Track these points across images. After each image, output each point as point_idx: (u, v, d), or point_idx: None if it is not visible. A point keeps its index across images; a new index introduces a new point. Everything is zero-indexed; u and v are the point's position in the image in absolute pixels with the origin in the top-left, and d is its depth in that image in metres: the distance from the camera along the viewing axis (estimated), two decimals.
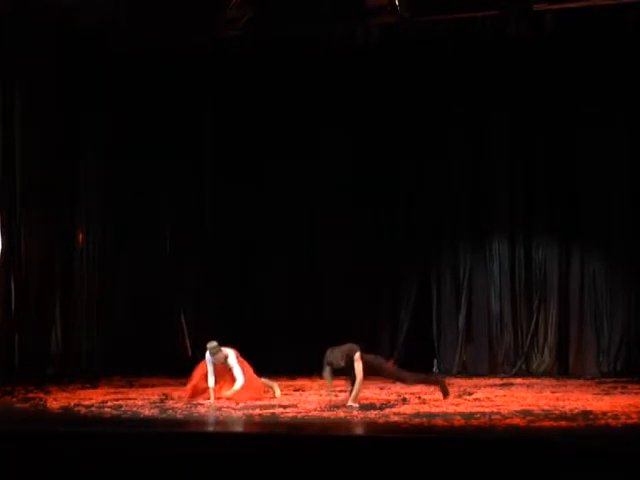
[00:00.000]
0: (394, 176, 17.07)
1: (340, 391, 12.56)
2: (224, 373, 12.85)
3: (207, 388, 12.73)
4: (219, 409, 11.75)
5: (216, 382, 12.74)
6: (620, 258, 16.05)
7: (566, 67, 16.06)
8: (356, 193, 17.17)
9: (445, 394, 12.34)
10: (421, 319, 16.87)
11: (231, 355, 12.89)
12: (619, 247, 16.06)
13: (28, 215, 15.49)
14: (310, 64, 16.83)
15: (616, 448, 8.84)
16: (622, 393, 13.27)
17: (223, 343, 12.91)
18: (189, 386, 12.96)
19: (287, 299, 17.30)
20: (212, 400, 12.53)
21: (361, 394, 12.40)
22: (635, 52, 15.49)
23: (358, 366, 11.74)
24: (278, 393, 13.25)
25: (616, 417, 10.58)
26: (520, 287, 16.44)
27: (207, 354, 12.81)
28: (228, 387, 12.80)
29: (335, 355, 11.80)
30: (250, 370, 13.00)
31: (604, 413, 10.93)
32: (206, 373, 12.80)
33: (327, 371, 11.86)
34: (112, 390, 14.02)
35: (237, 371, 12.75)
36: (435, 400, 12.30)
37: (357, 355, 11.75)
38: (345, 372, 11.96)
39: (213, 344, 12.82)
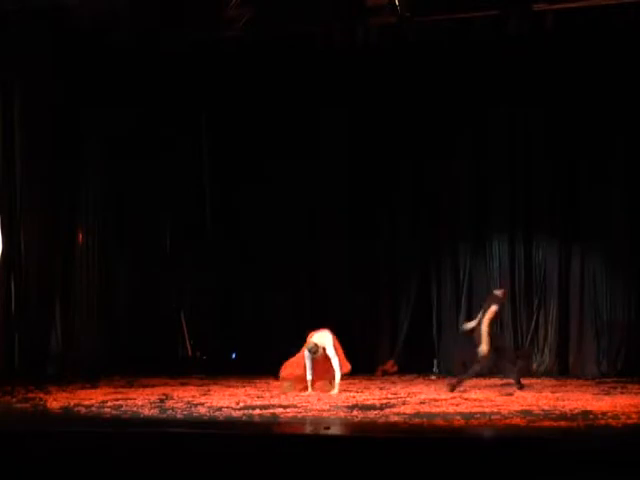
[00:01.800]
0: (394, 176, 17.05)
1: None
2: (319, 361, 13.29)
3: (301, 376, 13.29)
4: (219, 409, 11.75)
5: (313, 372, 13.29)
6: (620, 258, 16.04)
7: (566, 67, 16.05)
8: (356, 193, 17.16)
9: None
10: (421, 319, 16.86)
11: (328, 344, 13.28)
12: (619, 247, 16.05)
13: (28, 215, 15.48)
14: (310, 64, 16.82)
15: (616, 448, 8.84)
16: (622, 393, 13.28)
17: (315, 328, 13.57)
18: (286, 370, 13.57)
19: (287, 299, 17.30)
20: (310, 391, 13.02)
21: (361, 394, 12.44)
22: (635, 52, 15.48)
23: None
24: (335, 390, 13.41)
25: (616, 417, 10.59)
26: (520, 287, 16.45)
27: (306, 352, 13.22)
28: (323, 373, 13.31)
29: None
30: (339, 349, 13.46)
31: (604, 413, 10.94)
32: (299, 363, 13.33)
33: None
34: (112, 390, 14.00)
35: (335, 363, 13.21)
36: (435, 400, 12.34)
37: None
38: None
39: (311, 344, 13.21)
